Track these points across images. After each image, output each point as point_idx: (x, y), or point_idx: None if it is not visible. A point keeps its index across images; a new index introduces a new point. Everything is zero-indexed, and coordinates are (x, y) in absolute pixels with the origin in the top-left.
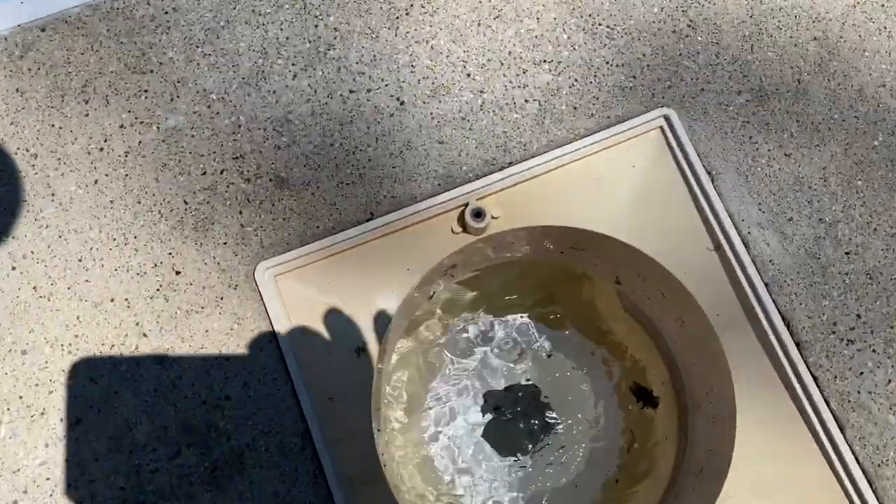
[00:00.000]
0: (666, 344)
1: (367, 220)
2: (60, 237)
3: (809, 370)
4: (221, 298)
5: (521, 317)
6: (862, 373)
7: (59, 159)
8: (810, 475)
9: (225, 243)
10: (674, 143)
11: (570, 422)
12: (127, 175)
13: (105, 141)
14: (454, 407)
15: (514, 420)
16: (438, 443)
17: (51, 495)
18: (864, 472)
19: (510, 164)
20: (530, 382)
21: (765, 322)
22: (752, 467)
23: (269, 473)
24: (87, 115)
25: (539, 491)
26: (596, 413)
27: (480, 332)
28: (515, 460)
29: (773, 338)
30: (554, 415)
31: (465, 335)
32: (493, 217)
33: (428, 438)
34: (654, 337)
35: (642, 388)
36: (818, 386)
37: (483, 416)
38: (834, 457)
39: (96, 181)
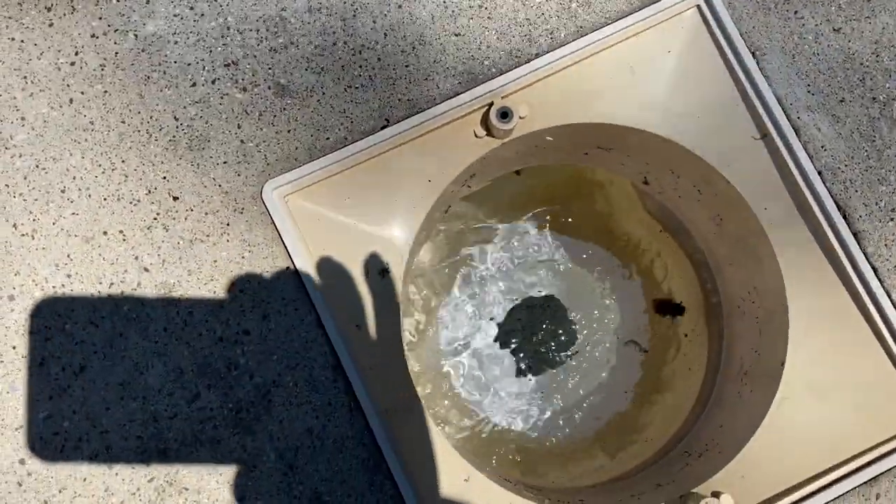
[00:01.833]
0: (695, 245)
1: (382, 128)
2: (38, 166)
3: (868, 261)
4: (227, 224)
5: (535, 227)
6: None
7: (26, 78)
8: (871, 372)
9: (225, 162)
10: (713, 23)
11: (588, 332)
12: (106, 91)
13: (76, 54)
14: (472, 324)
15: (534, 333)
16: (457, 363)
17: (61, 451)
18: None
19: (536, 55)
20: (547, 294)
21: (818, 212)
22: (807, 366)
23: (299, 410)
24: (51, 24)
25: (562, 401)
26: (616, 320)
27: (494, 245)
28: (537, 372)
29: (827, 229)
30: (573, 325)
31: (479, 249)
32: (520, 117)
33: (447, 359)
34: (680, 239)
35: (664, 302)
36: (878, 277)
37: (502, 332)
38: None
39: (71, 100)
